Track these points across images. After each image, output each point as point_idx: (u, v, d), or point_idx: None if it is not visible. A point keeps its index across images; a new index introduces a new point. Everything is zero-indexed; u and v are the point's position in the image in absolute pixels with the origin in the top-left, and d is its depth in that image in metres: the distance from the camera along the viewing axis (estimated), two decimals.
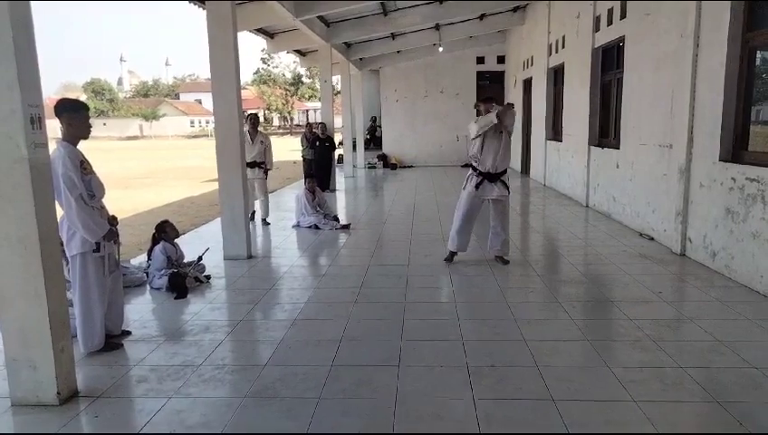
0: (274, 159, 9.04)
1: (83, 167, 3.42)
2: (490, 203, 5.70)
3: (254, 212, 8.60)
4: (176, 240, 5.45)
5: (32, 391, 2.94)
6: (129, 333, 3.96)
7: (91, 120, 3.59)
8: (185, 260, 5.38)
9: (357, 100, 18.41)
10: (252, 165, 8.23)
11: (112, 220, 3.68)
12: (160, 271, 5.06)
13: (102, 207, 3.61)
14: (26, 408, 2.92)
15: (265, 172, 8.63)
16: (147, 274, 5.22)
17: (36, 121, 2.79)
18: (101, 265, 3.58)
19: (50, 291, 2.86)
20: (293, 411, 2.84)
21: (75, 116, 3.45)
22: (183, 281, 4.93)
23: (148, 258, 5.25)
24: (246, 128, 8.30)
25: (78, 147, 3.49)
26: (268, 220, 8.58)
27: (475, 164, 5.67)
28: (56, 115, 3.40)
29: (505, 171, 5.66)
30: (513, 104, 5.71)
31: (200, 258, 5.36)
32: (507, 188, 5.68)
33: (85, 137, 3.50)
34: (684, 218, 5.78)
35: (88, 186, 3.43)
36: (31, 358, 2.91)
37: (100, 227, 3.48)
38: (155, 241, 5.28)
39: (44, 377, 2.91)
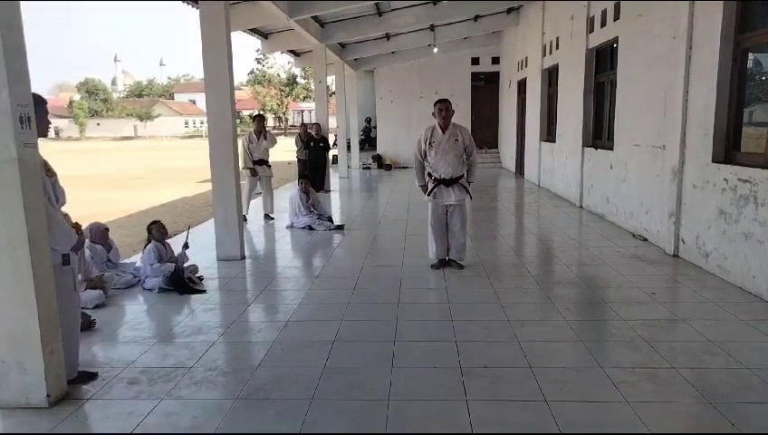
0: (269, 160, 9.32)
1: (46, 168, 3.03)
2: (448, 208, 5.50)
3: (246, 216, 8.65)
4: (169, 240, 5.42)
5: (21, 393, 2.91)
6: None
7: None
8: (186, 263, 5.34)
9: (351, 100, 18.37)
10: (260, 162, 8.77)
11: (76, 228, 3.26)
12: (152, 265, 5.03)
13: (65, 215, 3.20)
14: (15, 410, 2.89)
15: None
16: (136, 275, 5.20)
17: (26, 121, 2.76)
18: (72, 277, 3.23)
19: (39, 293, 2.83)
20: (286, 413, 2.83)
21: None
22: (182, 276, 4.90)
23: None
24: (255, 128, 8.83)
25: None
26: (272, 215, 8.86)
27: (429, 170, 5.48)
28: None
29: (462, 176, 5.45)
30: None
31: (186, 245, 5.32)
32: (467, 190, 5.47)
33: (44, 134, 3.04)
34: (677, 219, 5.80)
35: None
36: (20, 360, 2.88)
37: (70, 236, 3.13)
38: (149, 242, 5.26)
39: (34, 379, 2.89)
